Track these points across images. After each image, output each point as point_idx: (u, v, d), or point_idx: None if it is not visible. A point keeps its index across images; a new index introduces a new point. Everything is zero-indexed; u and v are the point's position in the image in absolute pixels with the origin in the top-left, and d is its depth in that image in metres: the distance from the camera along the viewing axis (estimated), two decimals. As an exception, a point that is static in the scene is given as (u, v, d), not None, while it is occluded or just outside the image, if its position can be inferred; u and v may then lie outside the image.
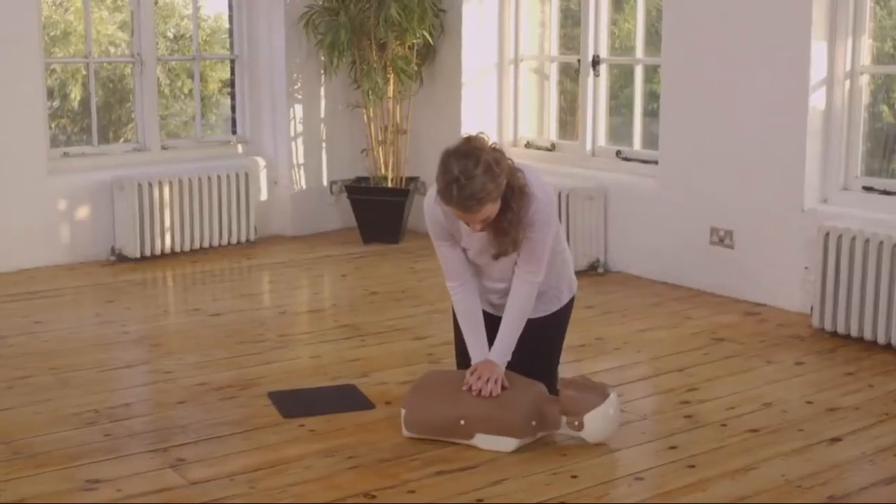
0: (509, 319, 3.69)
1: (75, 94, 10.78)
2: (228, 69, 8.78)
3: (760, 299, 5.48)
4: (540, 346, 3.84)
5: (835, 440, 3.72)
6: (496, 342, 3.69)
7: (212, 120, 11.17)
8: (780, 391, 4.24)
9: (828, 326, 4.93)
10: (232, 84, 7.80)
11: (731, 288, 5.63)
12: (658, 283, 5.94)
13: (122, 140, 10.18)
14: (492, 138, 3.55)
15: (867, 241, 4.78)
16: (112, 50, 11.56)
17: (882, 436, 3.75)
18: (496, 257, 3.61)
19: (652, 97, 6.53)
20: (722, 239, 5.66)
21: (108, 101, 10.91)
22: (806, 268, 5.24)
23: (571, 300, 3.98)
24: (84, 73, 12.18)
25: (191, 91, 12.97)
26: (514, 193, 3.48)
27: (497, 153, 3.44)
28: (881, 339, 4.74)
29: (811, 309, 5.05)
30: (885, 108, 5.54)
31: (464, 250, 3.71)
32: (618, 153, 6.42)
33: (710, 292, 5.70)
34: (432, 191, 3.60)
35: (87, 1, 6.71)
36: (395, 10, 6.52)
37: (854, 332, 4.84)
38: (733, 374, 4.46)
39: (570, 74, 6.89)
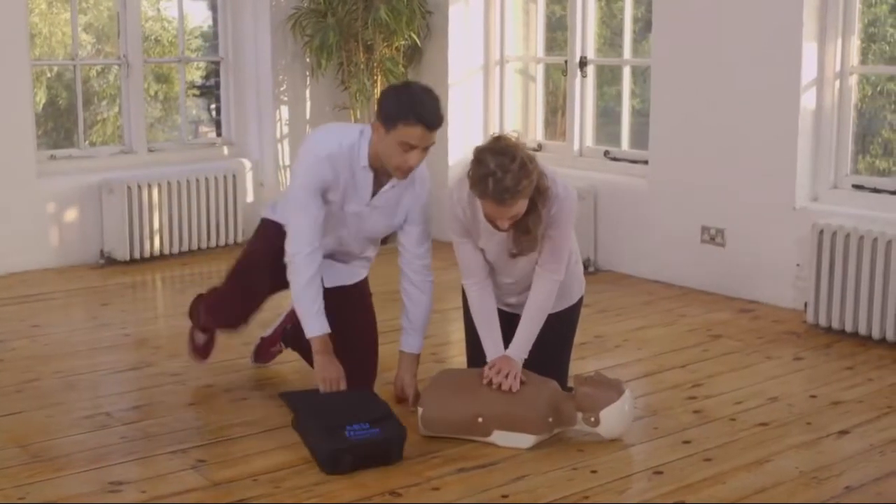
0: (528, 317, 3.74)
1: (40, 96, 10.68)
2: (197, 71, 8.75)
3: (752, 296, 5.57)
4: (551, 343, 3.88)
5: (843, 433, 3.80)
6: (515, 338, 3.74)
7: (178, 122, 11.13)
8: (782, 386, 4.32)
9: (822, 322, 5.02)
10: (210, 85, 7.79)
11: (722, 286, 5.71)
12: (649, 282, 6.02)
13: (86, 142, 10.13)
14: (519, 137, 3.60)
15: (861, 238, 4.87)
16: (79, 53, 11.45)
17: (888, 428, 3.84)
18: (514, 256, 3.66)
19: (619, 98, 6.63)
20: (713, 237, 5.74)
21: (73, 104, 10.84)
22: (798, 265, 5.33)
23: (581, 298, 4.04)
24: (49, 75, 12.09)
25: (156, 93, 12.93)
26: (539, 194, 3.53)
27: (528, 152, 3.50)
28: (876, 334, 4.83)
29: (805, 305, 5.14)
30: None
31: (481, 250, 3.75)
32: (606, 153, 6.48)
33: (701, 290, 5.78)
34: (455, 190, 3.64)
35: (73, 2, 6.68)
36: (385, 11, 6.55)
37: (849, 328, 4.93)
38: (735, 369, 4.54)
39: (554, 75, 6.96)
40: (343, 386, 3.77)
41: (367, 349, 4.08)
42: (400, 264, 4.01)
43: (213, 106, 9.07)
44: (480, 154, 3.49)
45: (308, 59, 7.02)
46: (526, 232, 3.57)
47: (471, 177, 3.49)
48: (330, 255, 4.01)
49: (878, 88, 5.63)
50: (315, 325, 3.80)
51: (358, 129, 3.80)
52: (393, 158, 3.65)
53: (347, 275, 4.12)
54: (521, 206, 3.49)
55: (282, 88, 7.13)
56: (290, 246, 3.79)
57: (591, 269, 6.22)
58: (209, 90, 8.92)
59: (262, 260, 4.01)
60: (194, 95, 12.03)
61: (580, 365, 4.47)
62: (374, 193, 3.82)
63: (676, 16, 5.83)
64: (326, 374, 3.78)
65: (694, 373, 4.48)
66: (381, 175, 3.79)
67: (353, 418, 3.51)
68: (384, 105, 3.67)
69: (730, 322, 5.23)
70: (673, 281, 5.94)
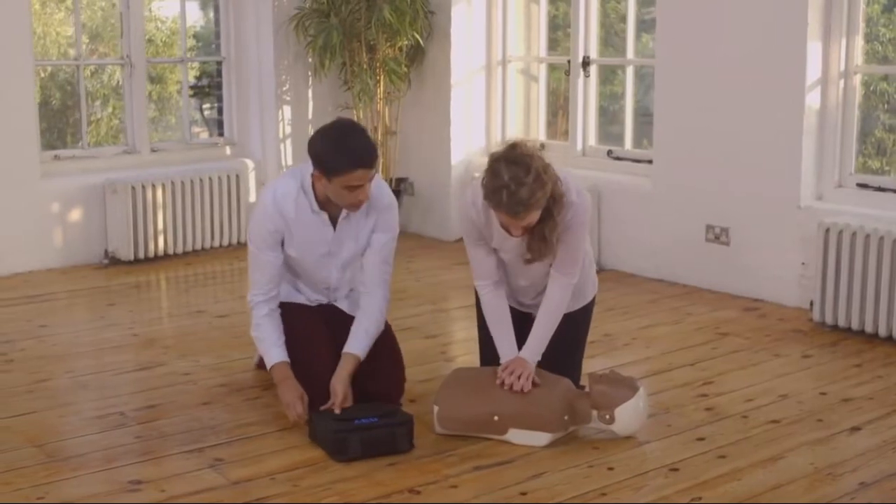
0: (542, 320, 3.75)
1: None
2: (191, 71, 8.74)
3: (757, 295, 5.59)
4: (565, 342, 3.89)
5: (855, 429, 3.83)
6: (528, 341, 3.75)
7: (171, 122, 11.15)
8: (792, 383, 4.34)
9: (828, 320, 5.05)
10: (202, 85, 7.79)
11: (727, 284, 5.73)
12: (654, 281, 6.04)
13: (80, 144, 10.15)
14: (538, 144, 3.59)
15: (867, 236, 4.89)
16: (72, 52, 11.43)
17: (900, 424, 3.87)
18: (530, 262, 3.66)
19: (612, 98, 6.65)
20: (717, 236, 5.77)
21: (66, 104, 10.83)
22: (803, 263, 5.35)
23: (594, 298, 4.06)
24: (42, 75, 12.10)
25: (150, 94, 12.94)
26: (555, 202, 3.53)
27: (544, 161, 3.49)
28: (882, 332, 4.86)
29: (811, 304, 5.16)
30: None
31: (495, 251, 3.76)
32: (609, 152, 6.51)
33: (706, 289, 5.80)
34: (468, 193, 3.65)
35: (77, 2, 6.68)
36: (388, 11, 6.56)
37: (855, 326, 4.95)
38: (744, 367, 4.56)
39: (554, 75, 6.99)
40: (304, 404, 3.76)
41: (392, 370, 4.06)
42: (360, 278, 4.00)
43: (205, 106, 9.08)
44: (495, 164, 3.45)
45: (311, 59, 7.02)
46: (542, 239, 3.57)
47: (485, 186, 3.47)
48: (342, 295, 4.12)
49: (872, 88, 5.66)
50: (273, 355, 3.87)
51: (297, 177, 3.81)
52: (343, 200, 3.71)
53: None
54: (535, 215, 3.48)
55: (284, 88, 7.14)
56: (249, 294, 3.95)
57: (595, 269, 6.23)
58: (201, 90, 8.92)
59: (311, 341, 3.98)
60: (188, 95, 12.06)
61: (590, 363, 4.47)
62: (334, 226, 3.88)
63: (680, 15, 5.84)
64: (285, 399, 3.79)
65: (704, 371, 4.50)
66: (332, 209, 3.84)
67: (362, 414, 3.63)
68: (318, 157, 3.67)
69: (736, 320, 5.25)
70: (678, 280, 5.96)
